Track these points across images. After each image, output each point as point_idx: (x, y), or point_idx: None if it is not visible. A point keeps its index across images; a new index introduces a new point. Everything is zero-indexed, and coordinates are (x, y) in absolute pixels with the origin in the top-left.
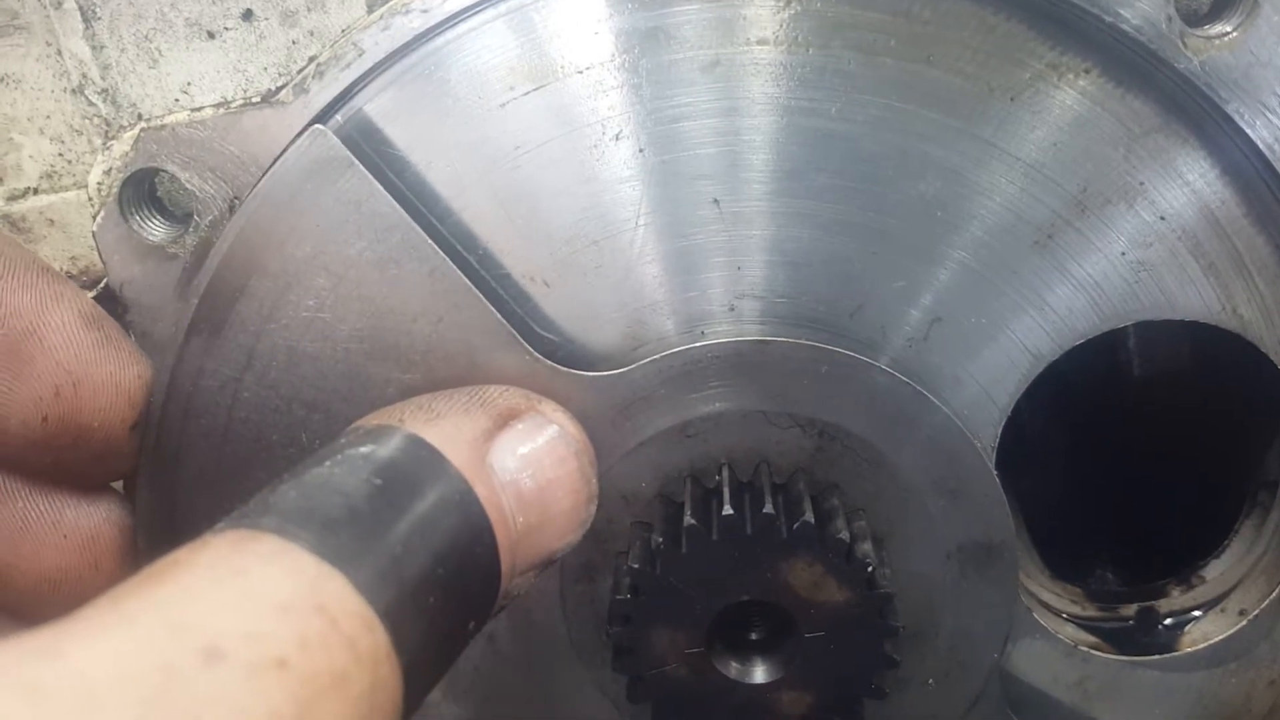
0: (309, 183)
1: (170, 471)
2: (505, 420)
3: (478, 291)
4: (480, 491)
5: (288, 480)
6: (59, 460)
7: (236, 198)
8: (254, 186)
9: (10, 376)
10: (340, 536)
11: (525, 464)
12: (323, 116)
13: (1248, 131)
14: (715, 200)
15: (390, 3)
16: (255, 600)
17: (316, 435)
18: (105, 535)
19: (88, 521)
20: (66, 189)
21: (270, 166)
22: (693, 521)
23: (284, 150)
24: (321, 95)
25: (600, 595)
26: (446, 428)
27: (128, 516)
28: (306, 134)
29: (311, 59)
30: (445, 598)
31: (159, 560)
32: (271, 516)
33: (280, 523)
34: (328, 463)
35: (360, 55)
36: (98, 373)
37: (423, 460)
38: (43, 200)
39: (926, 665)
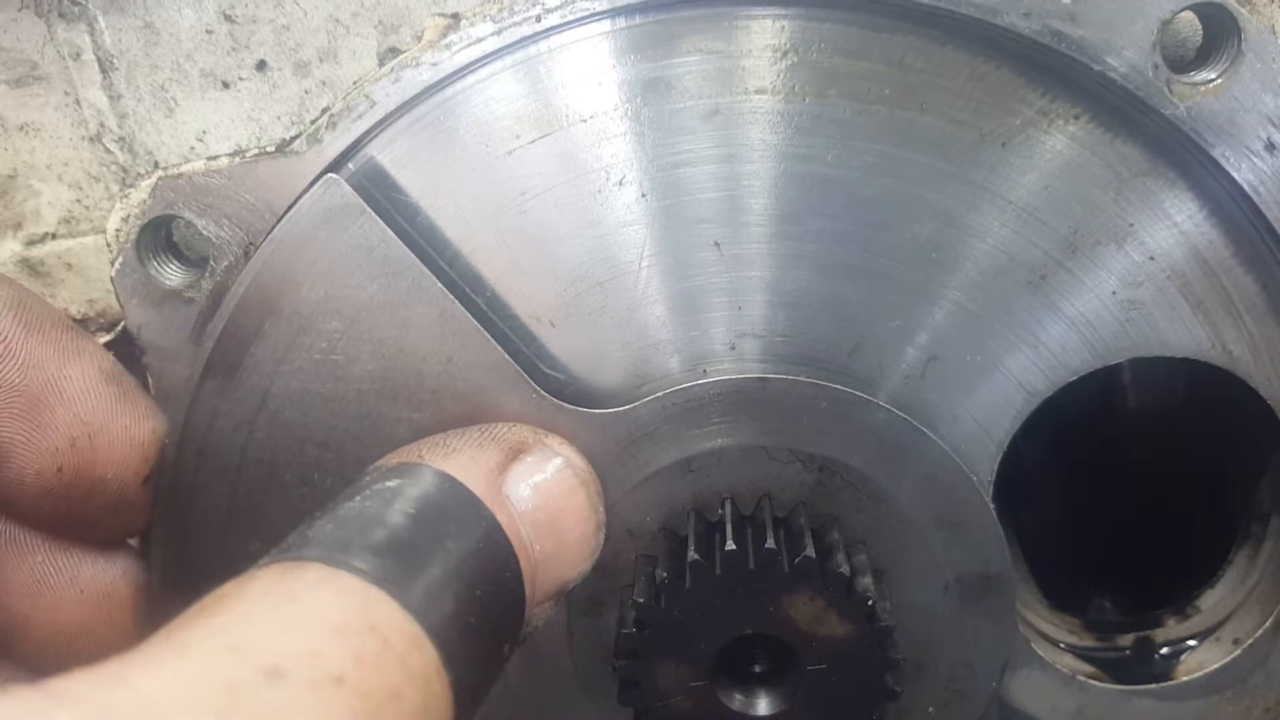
0: (322, 229)
1: (185, 510)
2: (515, 453)
3: (485, 333)
4: (501, 519)
5: (321, 518)
6: (73, 512)
7: (251, 243)
8: (269, 233)
9: (29, 427)
10: (385, 561)
11: (538, 493)
12: (335, 165)
13: (1233, 174)
14: (716, 243)
15: (400, 56)
16: (310, 622)
17: (329, 474)
18: (120, 591)
19: (104, 577)
20: (84, 234)
21: (285, 213)
22: (696, 557)
23: (298, 198)
24: (334, 145)
25: (606, 628)
26: (463, 461)
27: (142, 573)
28: (320, 182)
29: (324, 110)
30: (483, 618)
31: (207, 595)
32: (314, 548)
33: (324, 552)
34: (358, 498)
35: (372, 106)
36: (114, 426)
37: (449, 492)
38: (61, 245)
39: (926, 694)
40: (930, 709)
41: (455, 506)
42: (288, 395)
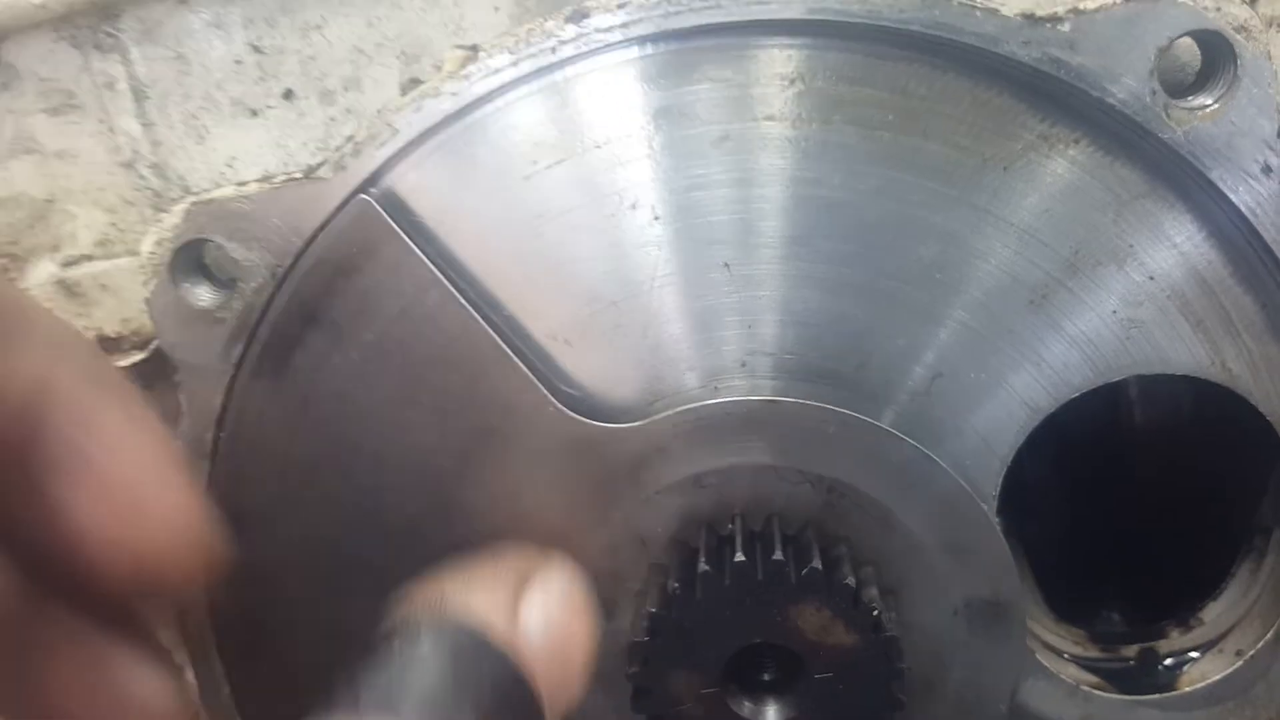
0: (354, 247)
1: (237, 498)
2: (525, 582)
3: (505, 348)
4: (523, 662)
5: (358, 681)
6: (126, 605)
7: (279, 265)
8: (304, 248)
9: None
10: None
11: (550, 626)
12: (360, 190)
13: (1230, 196)
14: (726, 264)
15: (421, 86)
16: None
17: (361, 477)
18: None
19: (150, 685)
20: (119, 256)
21: (317, 232)
22: (707, 568)
23: (328, 219)
24: (359, 171)
25: (620, 630)
26: (483, 604)
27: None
28: (353, 203)
29: (349, 138)
30: None
31: None
32: (358, 707)
33: (370, 708)
34: (394, 664)
35: (394, 134)
36: (183, 527)
37: (475, 648)
38: (97, 267)
39: (936, 715)
40: None
41: (484, 664)
42: (327, 399)
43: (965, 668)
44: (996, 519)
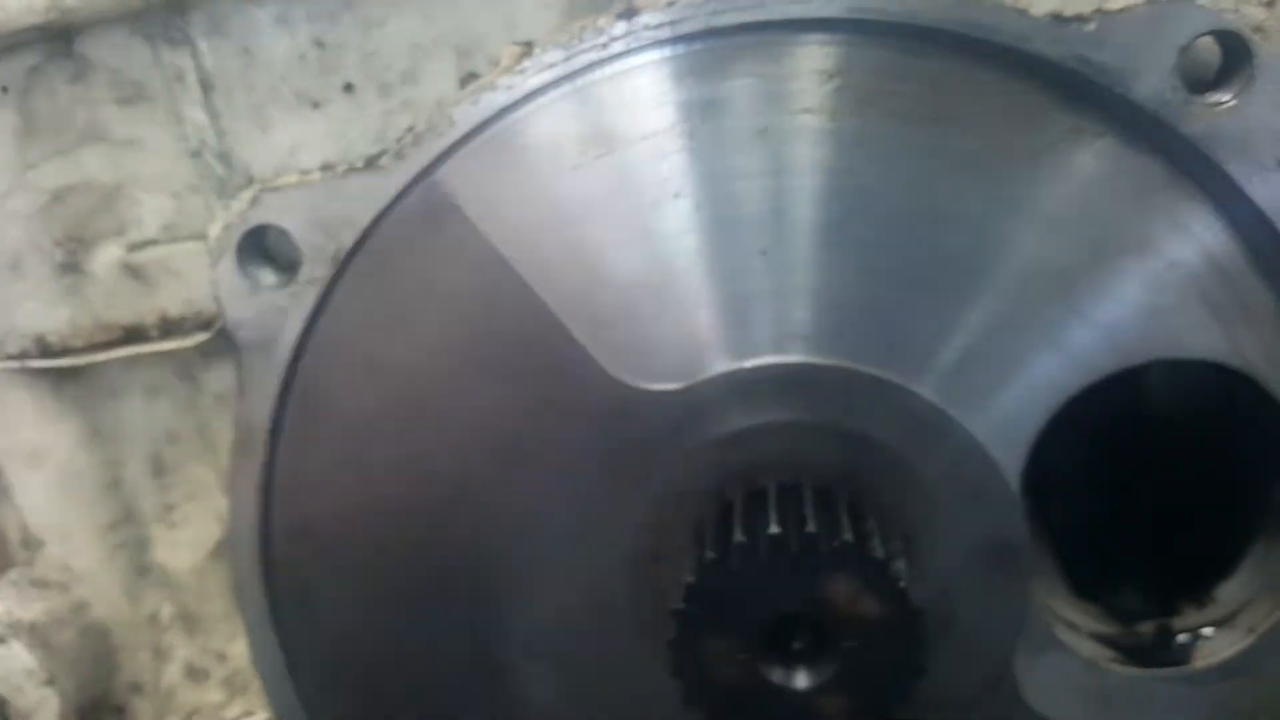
0: (421, 225)
1: (294, 464)
2: None
3: (559, 317)
4: None
5: None
6: None
7: (340, 249)
8: (366, 233)
9: None
10: None
11: None
12: (419, 179)
13: (1246, 189)
14: (763, 251)
15: (479, 80)
16: None
17: (423, 441)
18: None
19: None
20: (183, 240)
21: (379, 217)
22: (743, 539)
23: (391, 203)
24: (418, 160)
25: (664, 577)
26: None
27: None
28: (418, 187)
29: (409, 128)
30: None
31: None
32: None
33: None
34: None
35: (452, 126)
36: None
37: None
38: (162, 250)
39: (947, 655)
40: (949, 669)
41: None
42: (390, 370)
43: (974, 609)
44: (1016, 480)
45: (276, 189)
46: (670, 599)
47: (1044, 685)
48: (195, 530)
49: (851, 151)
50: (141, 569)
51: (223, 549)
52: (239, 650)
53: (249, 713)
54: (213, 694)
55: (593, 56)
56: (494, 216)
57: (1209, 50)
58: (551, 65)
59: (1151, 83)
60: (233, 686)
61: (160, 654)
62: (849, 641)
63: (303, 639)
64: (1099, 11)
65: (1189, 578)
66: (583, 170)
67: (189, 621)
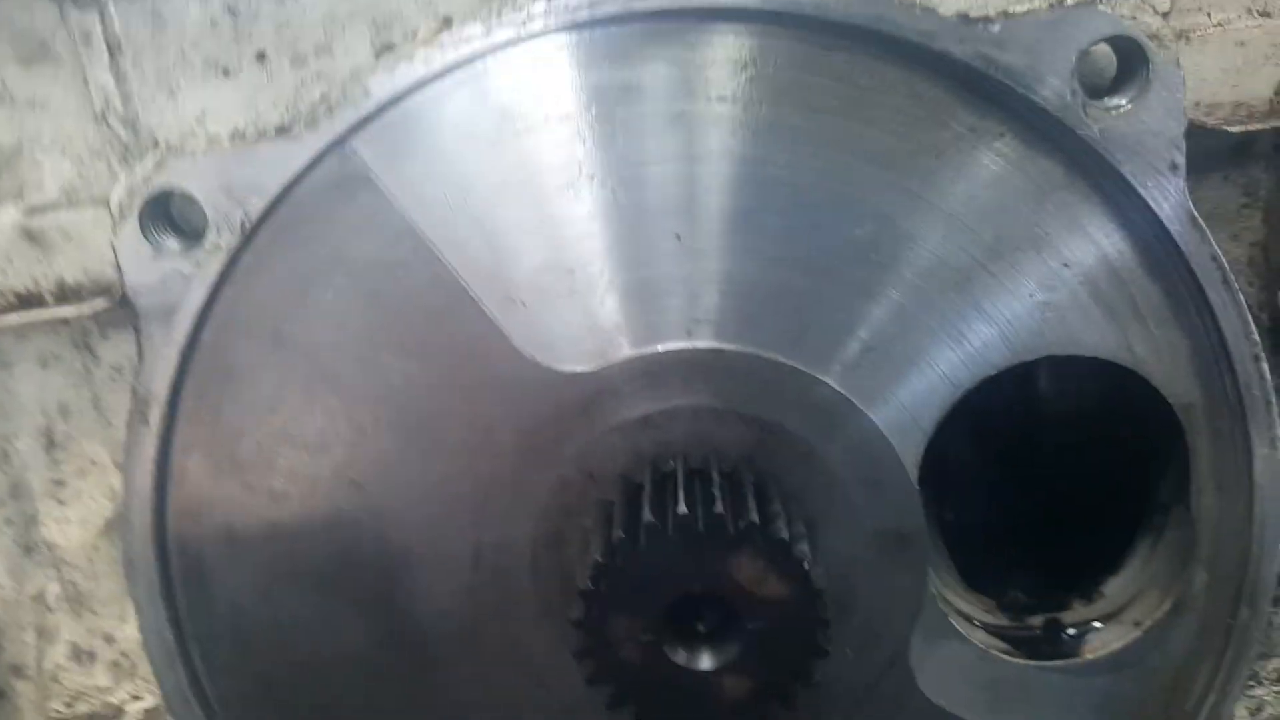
0: (332, 195)
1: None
2: None
3: (472, 294)
4: None
5: None
6: None
7: (247, 217)
8: (274, 202)
9: None
10: None
11: None
12: (330, 149)
13: (1140, 190)
14: (677, 235)
15: (396, 50)
16: None
17: (330, 415)
18: None
19: None
20: (84, 206)
21: (289, 186)
22: (651, 519)
23: (302, 173)
24: (330, 130)
25: (567, 560)
26: None
27: None
28: (333, 155)
29: (323, 97)
30: None
31: None
32: None
33: None
34: None
35: (367, 97)
36: None
37: None
38: (61, 215)
39: (846, 637)
40: (848, 650)
41: None
42: (297, 340)
43: (873, 593)
44: (913, 468)
45: (182, 154)
46: (578, 579)
47: (938, 674)
48: (86, 507)
49: (763, 140)
50: (28, 546)
51: (114, 527)
52: (128, 632)
53: (136, 697)
54: (99, 677)
55: (511, 33)
56: (407, 190)
57: (1107, 57)
58: (469, 40)
59: (1052, 85)
60: (120, 669)
61: (45, 635)
62: (753, 623)
63: (197, 619)
64: (1003, 14)
65: (1078, 573)
66: (498, 147)
67: (76, 602)
